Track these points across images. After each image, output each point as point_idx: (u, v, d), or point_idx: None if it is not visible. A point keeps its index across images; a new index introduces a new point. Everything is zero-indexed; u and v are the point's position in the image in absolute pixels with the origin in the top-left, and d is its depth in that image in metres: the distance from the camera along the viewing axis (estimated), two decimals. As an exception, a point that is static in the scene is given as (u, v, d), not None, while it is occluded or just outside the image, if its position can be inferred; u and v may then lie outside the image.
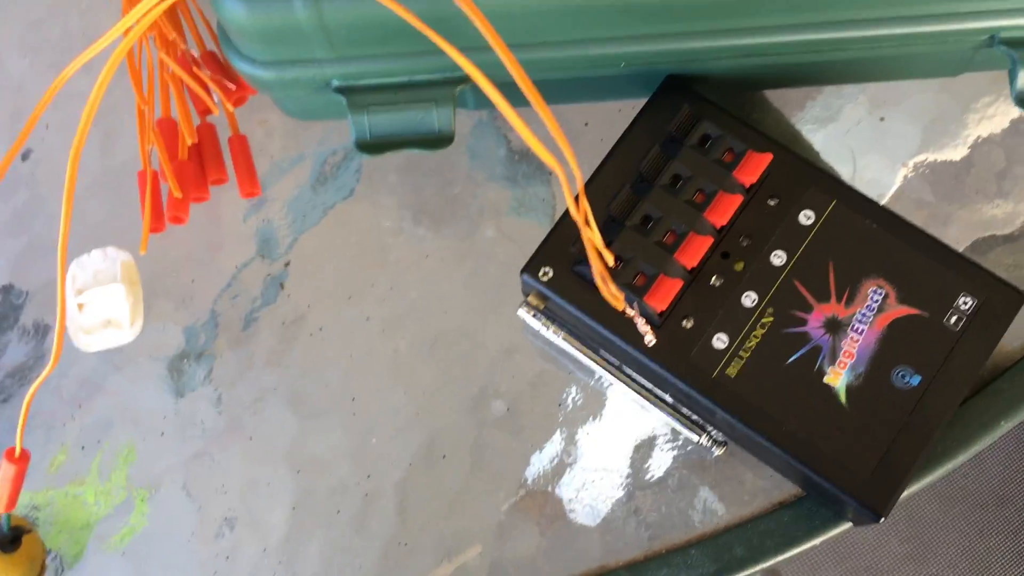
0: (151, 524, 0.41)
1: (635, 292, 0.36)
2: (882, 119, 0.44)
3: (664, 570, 0.39)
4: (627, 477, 0.41)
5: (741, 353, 0.37)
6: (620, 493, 0.40)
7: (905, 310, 0.37)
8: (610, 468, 0.41)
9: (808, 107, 0.44)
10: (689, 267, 0.37)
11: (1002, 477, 1.03)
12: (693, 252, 0.37)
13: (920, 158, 0.43)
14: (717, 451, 0.39)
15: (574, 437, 0.41)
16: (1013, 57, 0.38)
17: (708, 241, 0.37)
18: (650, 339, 0.36)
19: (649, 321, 0.37)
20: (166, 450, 0.42)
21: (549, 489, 0.41)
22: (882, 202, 0.43)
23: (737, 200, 0.37)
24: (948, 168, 0.43)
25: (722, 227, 0.38)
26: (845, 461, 0.36)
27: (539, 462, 0.41)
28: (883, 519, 0.36)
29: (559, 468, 0.41)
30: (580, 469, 0.41)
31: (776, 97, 0.44)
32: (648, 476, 0.41)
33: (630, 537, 0.40)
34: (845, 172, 0.43)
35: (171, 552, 0.41)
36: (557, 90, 0.42)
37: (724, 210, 0.37)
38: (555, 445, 0.41)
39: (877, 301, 0.37)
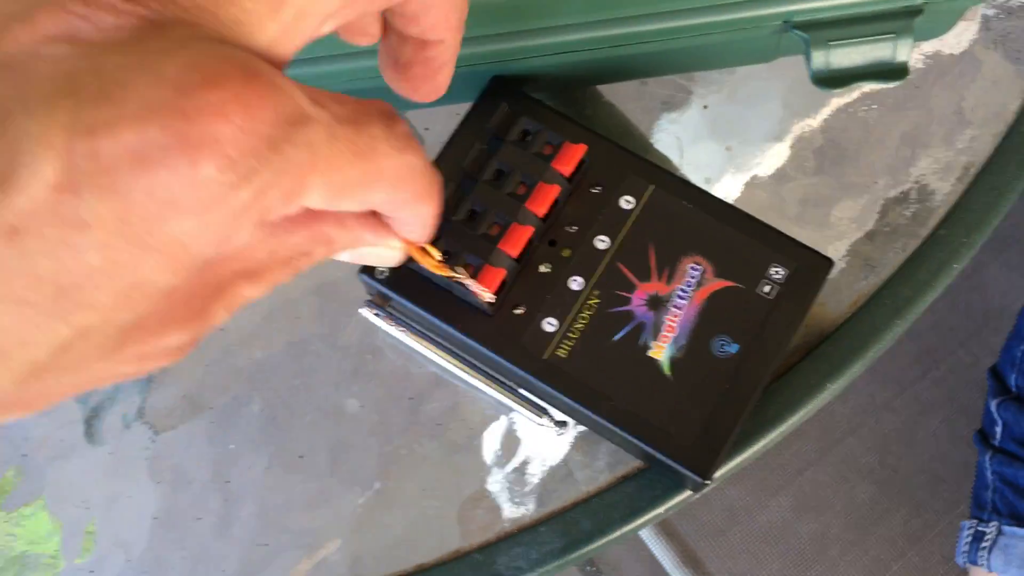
0: (14, 544, 0.42)
1: (461, 282, 0.38)
2: (706, 107, 0.46)
3: (516, 548, 0.41)
4: (478, 463, 0.42)
5: (570, 334, 0.39)
6: (472, 479, 0.42)
7: (722, 283, 0.39)
8: (462, 455, 0.42)
9: (637, 99, 0.46)
10: (514, 255, 0.39)
11: (935, 457, 1.06)
12: (516, 241, 0.39)
13: (742, 140, 0.46)
14: (559, 431, 0.41)
15: (426, 429, 0.43)
16: (805, 39, 0.40)
17: (530, 230, 0.39)
18: (489, 296, 0.37)
19: (477, 309, 0.38)
20: (28, 469, 0.43)
21: (404, 481, 0.42)
22: (711, 185, 0.45)
23: (556, 190, 0.39)
24: (769, 147, 0.46)
25: (547, 216, 0.39)
26: (671, 430, 0.37)
27: (394, 456, 0.42)
28: (709, 483, 0.37)
29: (413, 460, 0.42)
30: (433, 459, 0.42)
31: (608, 92, 0.46)
32: (498, 460, 0.42)
33: (483, 520, 0.41)
34: (675, 158, 0.46)
35: (34, 571, 0.42)
36: (387, 98, 0.43)
37: (544, 199, 0.39)
38: (408, 438, 0.42)
39: (695, 277, 0.39)
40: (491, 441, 0.42)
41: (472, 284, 0.37)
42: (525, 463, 0.42)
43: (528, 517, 0.41)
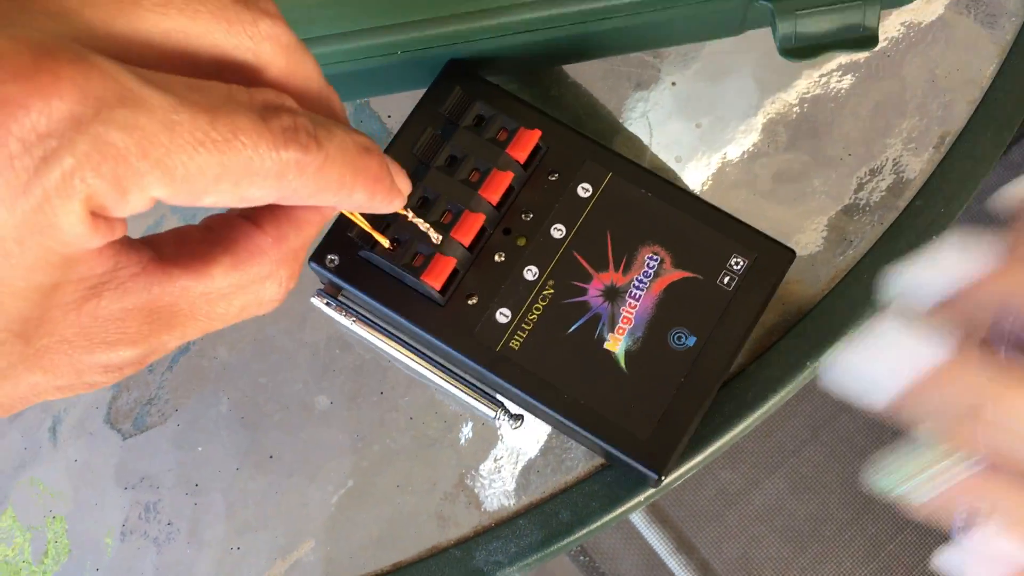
0: (-16, 558, 0.41)
1: (412, 272, 0.37)
2: (674, 84, 0.45)
3: (495, 543, 0.40)
4: (454, 457, 0.41)
5: (523, 326, 0.37)
6: (448, 473, 0.41)
7: (680, 274, 0.38)
8: (437, 449, 0.41)
9: (604, 79, 0.45)
10: (466, 244, 0.37)
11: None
12: (468, 229, 0.37)
13: (713, 117, 0.45)
14: (514, 425, 0.40)
15: (399, 423, 0.42)
16: (771, 9, 0.39)
17: (481, 218, 0.38)
18: (436, 236, 0.37)
19: (429, 299, 0.37)
20: (-6, 482, 0.42)
21: (378, 478, 0.41)
22: (682, 163, 0.44)
23: (509, 176, 0.38)
24: (740, 123, 0.45)
25: (500, 204, 0.38)
26: (626, 425, 0.36)
27: (367, 452, 0.41)
28: (664, 479, 0.36)
29: (386, 455, 0.41)
30: (407, 454, 0.41)
31: (574, 72, 0.45)
32: (474, 453, 0.41)
33: (460, 515, 0.41)
34: (644, 138, 0.45)
35: (4, 583, 0.41)
36: (344, 85, 0.42)
37: (498, 187, 0.38)
38: (381, 433, 0.41)
39: (653, 267, 0.38)
40: (467, 434, 0.41)
41: (421, 224, 0.36)
42: (502, 455, 0.41)
43: (506, 510, 0.40)
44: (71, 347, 0.23)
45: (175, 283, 0.24)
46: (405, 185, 0.29)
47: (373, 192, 0.26)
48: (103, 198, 0.21)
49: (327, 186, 0.25)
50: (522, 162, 0.38)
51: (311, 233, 0.27)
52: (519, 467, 0.41)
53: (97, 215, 0.21)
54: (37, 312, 0.21)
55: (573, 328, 0.37)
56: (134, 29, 0.22)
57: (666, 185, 0.39)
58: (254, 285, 0.26)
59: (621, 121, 0.45)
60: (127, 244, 0.23)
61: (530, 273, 0.38)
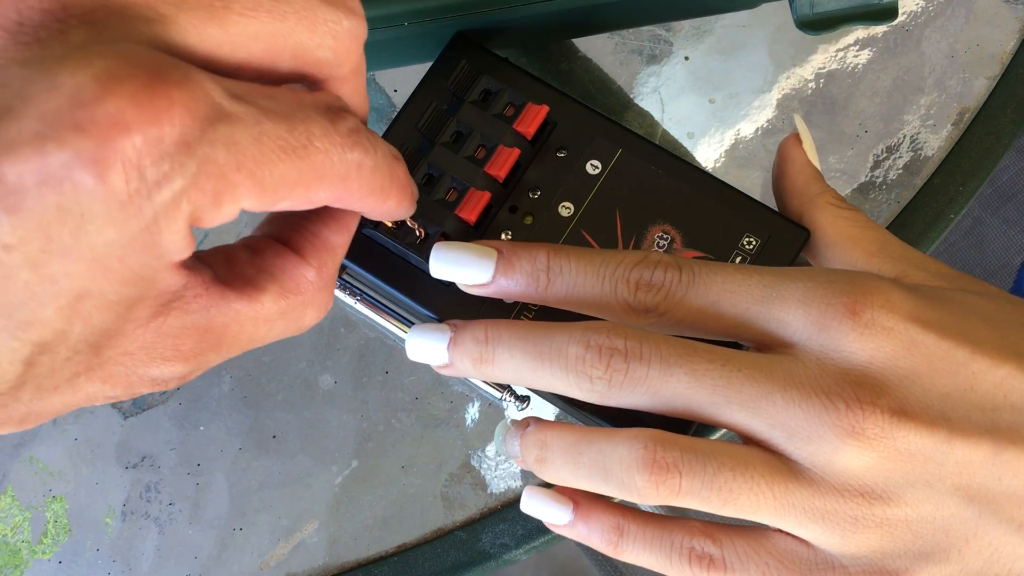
0: (-17, 538, 0.40)
1: (417, 251, 0.36)
2: (687, 58, 0.44)
3: (501, 525, 0.39)
4: (460, 438, 0.40)
5: (531, 306, 0.37)
6: (454, 454, 0.40)
7: (691, 253, 0.37)
8: (442, 430, 0.41)
9: (616, 53, 0.44)
10: (472, 222, 0.36)
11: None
12: (473, 207, 0.36)
13: (726, 92, 0.44)
14: (520, 406, 0.39)
15: (405, 403, 0.41)
16: (788, -20, 0.38)
17: (487, 196, 0.37)
18: (419, 233, 0.36)
19: (437, 281, 0.36)
20: (-6, 461, 0.41)
21: (383, 458, 0.40)
22: (694, 140, 0.43)
23: (516, 153, 0.37)
24: (754, 99, 0.44)
25: (507, 181, 0.37)
26: (633, 409, 0.35)
27: (371, 432, 0.41)
28: None
29: (391, 436, 0.41)
30: (413, 435, 0.41)
31: (584, 45, 0.44)
32: (479, 435, 0.40)
33: (466, 497, 0.40)
34: (656, 113, 0.44)
35: (2, 563, 0.40)
36: (399, 51, 0.41)
37: (504, 163, 0.37)
38: (386, 413, 0.41)
39: (663, 247, 0.37)
40: (472, 415, 0.41)
41: (408, 222, 0.35)
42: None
43: (513, 492, 0.40)
44: (131, 359, 0.23)
45: (230, 306, 0.25)
46: (416, 194, 0.30)
47: (401, 199, 0.27)
48: (202, 212, 0.21)
49: (373, 190, 0.25)
50: (529, 138, 0.37)
51: (341, 258, 0.28)
52: (526, 448, 0.40)
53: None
54: (116, 325, 0.22)
55: None
56: (224, 33, 0.22)
57: (678, 162, 0.38)
58: (295, 311, 0.27)
59: (632, 96, 0.44)
60: (193, 264, 0.24)
61: None
